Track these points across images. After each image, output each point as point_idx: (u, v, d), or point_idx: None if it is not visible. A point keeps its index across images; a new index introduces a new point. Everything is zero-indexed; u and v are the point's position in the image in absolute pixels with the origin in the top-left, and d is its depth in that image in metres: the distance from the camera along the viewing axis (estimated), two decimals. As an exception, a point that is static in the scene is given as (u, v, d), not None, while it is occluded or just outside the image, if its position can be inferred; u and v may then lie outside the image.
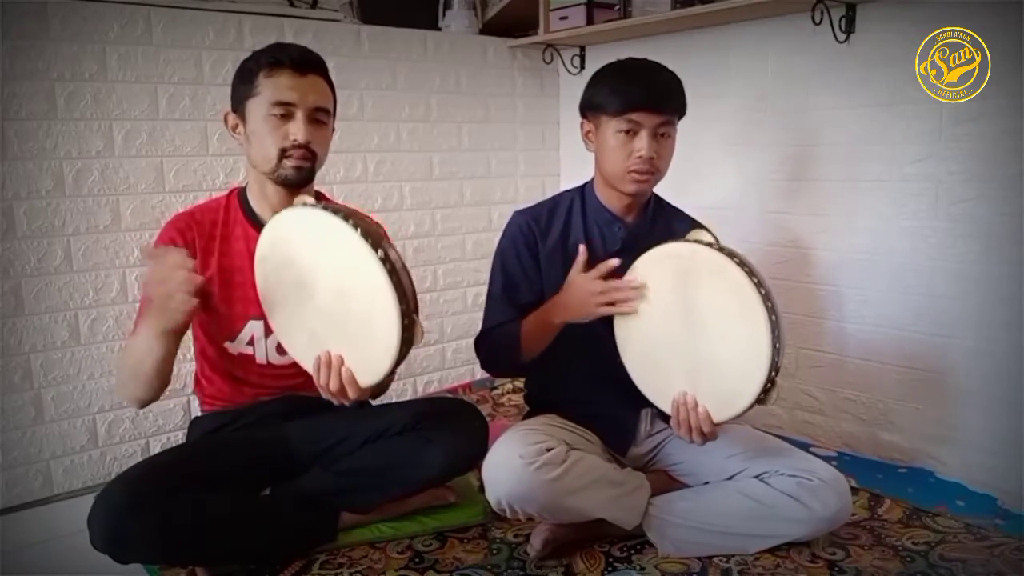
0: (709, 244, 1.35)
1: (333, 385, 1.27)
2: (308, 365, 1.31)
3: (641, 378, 1.45)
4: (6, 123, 1.70)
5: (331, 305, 1.27)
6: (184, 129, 1.94)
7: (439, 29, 2.49)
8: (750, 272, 1.29)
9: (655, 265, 1.39)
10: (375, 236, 1.21)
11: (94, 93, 1.80)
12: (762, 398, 1.30)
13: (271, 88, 1.39)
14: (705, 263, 1.33)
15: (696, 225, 1.47)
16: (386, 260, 1.19)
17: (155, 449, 1.94)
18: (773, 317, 1.27)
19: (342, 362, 1.27)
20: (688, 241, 1.37)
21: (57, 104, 1.76)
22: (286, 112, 1.40)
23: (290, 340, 1.37)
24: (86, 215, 1.82)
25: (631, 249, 1.45)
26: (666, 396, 1.40)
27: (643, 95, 1.47)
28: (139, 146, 1.88)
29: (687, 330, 1.35)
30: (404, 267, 1.23)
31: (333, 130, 1.51)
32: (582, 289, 1.44)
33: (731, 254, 1.32)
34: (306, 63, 1.43)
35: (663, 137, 1.50)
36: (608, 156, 1.53)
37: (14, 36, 1.70)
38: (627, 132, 1.49)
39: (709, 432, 1.36)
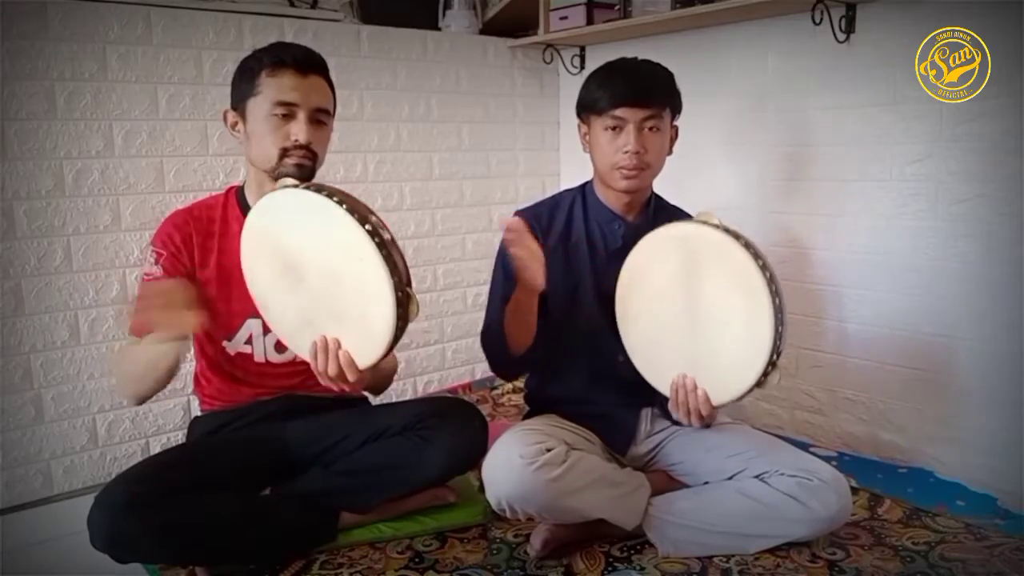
0: (715, 225, 1.33)
1: (332, 370, 1.25)
2: (305, 352, 1.29)
3: (642, 359, 1.45)
4: (6, 123, 1.70)
5: (323, 287, 1.24)
6: (184, 129, 1.94)
7: (439, 29, 2.49)
8: (755, 254, 1.28)
9: (659, 245, 1.39)
10: (361, 211, 1.19)
11: (94, 93, 1.80)
12: (762, 381, 1.29)
13: (273, 88, 1.39)
14: (710, 244, 1.32)
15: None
16: (374, 234, 1.17)
17: (155, 449, 1.94)
18: (777, 300, 1.26)
19: (339, 345, 1.25)
20: (693, 222, 1.37)
21: (57, 104, 1.76)
22: (288, 112, 1.40)
23: (284, 329, 1.35)
24: (86, 215, 1.82)
25: (632, 247, 1.45)
26: (666, 377, 1.40)
27: (625, 91, 1.49)
28: (139, 146, 1.88)
29: (689, 311, 1.35)
30: (394, 241, 1.20)
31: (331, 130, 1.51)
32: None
33: (736, 236, 1.30)
34: (309, 63, 1.43)
35: (652, 131, 1.51)
36: (598, 154, 1.55)
37: (14, 36, 1.70)
38: (614, 129, 1.50)
39: (707, 414, 1.36)
